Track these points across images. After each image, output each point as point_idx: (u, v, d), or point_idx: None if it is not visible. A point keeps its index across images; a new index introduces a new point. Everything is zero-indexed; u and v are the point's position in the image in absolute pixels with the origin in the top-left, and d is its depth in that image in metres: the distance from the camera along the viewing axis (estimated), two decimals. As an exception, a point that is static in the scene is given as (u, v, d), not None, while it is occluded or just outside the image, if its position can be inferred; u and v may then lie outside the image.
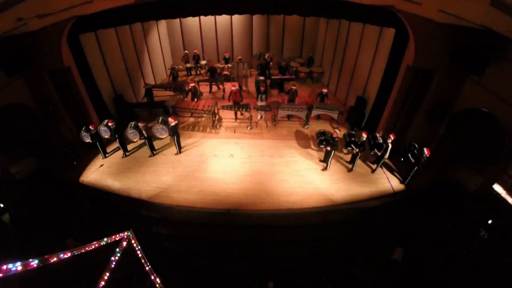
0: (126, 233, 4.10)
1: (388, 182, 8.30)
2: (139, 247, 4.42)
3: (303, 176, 8.45)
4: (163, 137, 9.41)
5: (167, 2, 7.87)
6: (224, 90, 12.88)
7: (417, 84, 7.74)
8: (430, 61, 7.32)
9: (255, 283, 6.35)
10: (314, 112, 10.53)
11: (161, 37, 13.93)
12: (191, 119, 11.25)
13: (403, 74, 7.95)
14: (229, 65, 13.68)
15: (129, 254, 4.29)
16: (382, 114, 9.15)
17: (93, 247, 3.50)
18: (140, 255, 4.51)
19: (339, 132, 8.30)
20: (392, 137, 7.80)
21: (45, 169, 8.69)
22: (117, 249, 3.96)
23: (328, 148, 8.22)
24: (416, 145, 7.66)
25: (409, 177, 7.95)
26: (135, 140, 9.10)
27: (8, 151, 7.78)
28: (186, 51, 14.61)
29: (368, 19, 8.02)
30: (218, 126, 10.68)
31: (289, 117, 11.09)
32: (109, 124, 8.75)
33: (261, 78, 12.36)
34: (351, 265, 6.86)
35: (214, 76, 12.98)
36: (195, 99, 11.62)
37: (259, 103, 11.26)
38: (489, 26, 5.27)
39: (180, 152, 9.36)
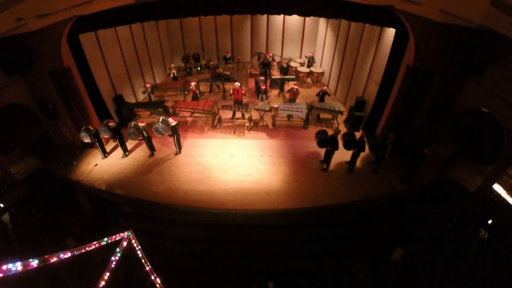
0: (126, 233, 4.09)
1: (388, 182, 8.30)
2: (139, 247, 4.42)
3: (303, 176, 8.45)
4: (163, 137, 9.42)
5: (167, 2, 7.88)
6: (224, 90, 12.89)
7: (417, 84, 7.73)
8: (430, 61, 7.32)
9: (255, 283, 6.34)
10: (314, 112, 10.53)
11: (161, 37, 13.93)
12: (191, 119, 11.25)
13: (403, 74, 7.95)
14: (229, 65, 13.68)
15: (129, 254, 4.29)
16: (382, 114, 9.15)
17: (93, 247, 3.49)
18: (140, 255, 4.51)
19: (339, 132, 8.30)
20: (391, 137, 7.80)
21: (45, 169, 8.69)
22: (117, 249, 3.96)
23: (328, 148, 8.22)
24: (416, 145, 7.67)
25: (409, 177, 7.95)
26: (135, 140, 9.11)
27: (8, 151, 7.77)
28: (186, 51, 14.62)
29: (368, 19, 8.01)
30: (218, 126, 10.68)
31: (289, 117, 11.09)
32: (109, 124, 8.76)
33: (261, 78, 12.37)
34: (351, 265, 6.85)
35: (214, 76, 12.98)
36: (198, 97, 11.65)
37: (259, 103, 11.26)
38: (489, 26, 5.27)
39: (180, 152, 9.37)
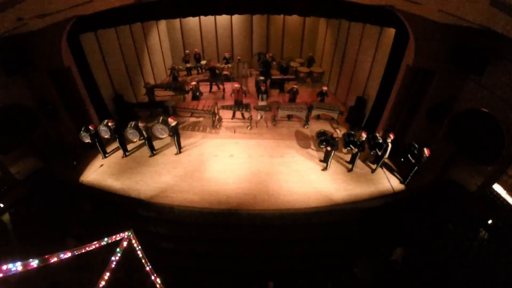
0: (126, 233, 4.09)
1: (388, 182, 8.30)
2: (139, 247, 4.42)
3: (303, 176, 8.45)
4: (163, 137, 9.42)
5: (167, 2, 7.88)
6: (224, 90, 12.89)
7: (417, 84, 7.74)
8: (430, 61, 7.32)
9: (255, 283, 6.35)
10: (314, 112, 10.53)
11: (161, 37, 13.94)
12: (191, 119, 11.25)
13: (403, 74, 7.95)
14: (229, 65, 13.68)
15: (129, 254, 4.29)
16: (382, 114, 9.15)
17: (93, 247, 3.49)
18: (140, 255, 4.51)
19: (339, 132, 8.30)
20: (391, 136, 7.80)
21: (45, 169, 8.68)
22: (118, 249, 3.96)
23: (328, 148, 8.22)
24: (416, 145, 7.67)
25: (409, 177, 7.95)
26: (135, 140, 9.10)
27: (8, 151, 7.77)
28: (187, 51, 14.63)
29: (368, 19, 8.02)
30: (218, 126, 10.68)
31: (289, 117, 11.09)
32: (109, 124, 8.75)
33: (261, 78, 12.37)
34: (351, 265, 6.86)
35: (214, 76, 12.98)
36: (198, 97, 11.67)
37: (260, 103, 11.26)
38: (489, 26, 5.27)
39: (180, 152, 9.36)
